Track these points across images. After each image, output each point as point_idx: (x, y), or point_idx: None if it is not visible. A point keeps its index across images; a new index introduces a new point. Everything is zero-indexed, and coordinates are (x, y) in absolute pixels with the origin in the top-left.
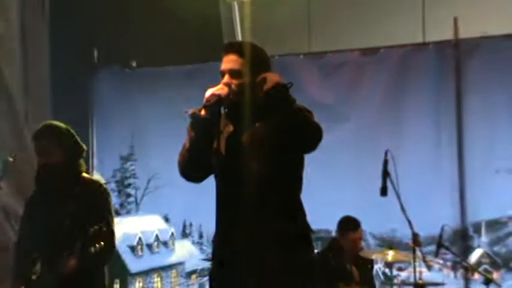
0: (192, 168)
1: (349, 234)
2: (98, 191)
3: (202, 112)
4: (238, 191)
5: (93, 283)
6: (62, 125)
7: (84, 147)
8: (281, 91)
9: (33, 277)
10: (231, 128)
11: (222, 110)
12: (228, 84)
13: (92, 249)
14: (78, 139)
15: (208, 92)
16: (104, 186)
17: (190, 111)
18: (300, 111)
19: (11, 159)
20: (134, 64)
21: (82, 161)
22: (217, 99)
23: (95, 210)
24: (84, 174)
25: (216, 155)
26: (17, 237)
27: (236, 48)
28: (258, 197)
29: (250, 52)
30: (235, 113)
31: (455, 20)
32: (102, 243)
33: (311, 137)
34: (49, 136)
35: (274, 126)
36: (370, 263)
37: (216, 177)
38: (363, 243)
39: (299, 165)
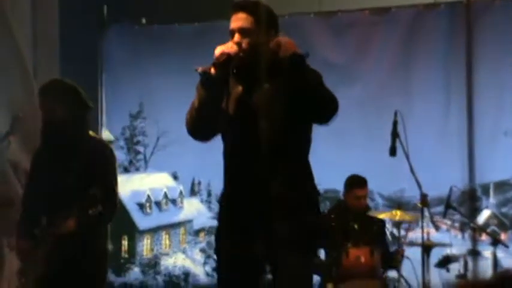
0: (200, 127)
1: (354, 190)
2: (103, 151)
3: (212, 70)
4: (245, 153)
5: (94, 242)
6: (67, 81)
7: (90, 104)
8: (299, 62)
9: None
10: (239, 88)
11: (231, 70)
12: (238, 43)
13: (90, 211)
14: (84, 96)
15: (218, 50)
16: (110, 146)
17: (200, 68)
18: (317, 83)
19: (20, 115)
20: (144, 21)
21: (88, 118)
22: (227, 58)
23: (99, 169)
24: (90, 133)
25: (224, 115)
26: (23, 194)
27: (245, 6)
28: (265, 159)
29: (260, 11)
30: (245, 73)
31: None
32: (100, 206)
33: (326, 109)
34: (54, 92)
35: (289, 94)
36: (380, 222)
37: (223, 137)
38: (370, 203)
39: (308, 128)
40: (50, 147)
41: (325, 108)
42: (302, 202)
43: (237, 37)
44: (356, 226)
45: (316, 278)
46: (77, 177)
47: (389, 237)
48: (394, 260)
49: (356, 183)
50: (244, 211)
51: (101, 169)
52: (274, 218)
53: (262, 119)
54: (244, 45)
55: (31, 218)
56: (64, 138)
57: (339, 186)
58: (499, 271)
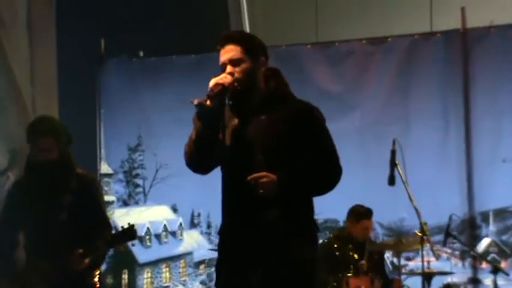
0: (198, 159)
1: (362, 221)
2: (92, 186)
3: (208, 102)
4: (243, 185)
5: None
6: (56, 119)
7: (72, 139)
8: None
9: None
10: (236, 121)
11: (227, 102)
12: (231, 73)
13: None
14: (69, 133)
15: (212, 82)
16: (95, 178)
17: (196, 100)
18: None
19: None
20: (141, 54)
21: (73, 155)
22: (222, 88)
23: (91, 204)
24: (78, 169)
25: (221, 147)
26: None
27: (232, 37)
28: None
29: (245, 39)
30: (240, 104)
31: (463, 9)
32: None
33: (332, 186)
34: (50, 132)
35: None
36: (380, 252)
37: (222, 169)
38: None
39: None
40: (38, 183)
41: (329, 190)
42: (300, 234)
43: (229, 68)
44: (356, 256)
45: None
46: (68, 213)
47: (389, 266)
48: None
49: (364, 214)
50: (242, 243)
51: (92, 203)
52: (269, 251)
53: (258, 150)
54: (237, 74)
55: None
56: (58, 177)
57: (339, 215)
58: None
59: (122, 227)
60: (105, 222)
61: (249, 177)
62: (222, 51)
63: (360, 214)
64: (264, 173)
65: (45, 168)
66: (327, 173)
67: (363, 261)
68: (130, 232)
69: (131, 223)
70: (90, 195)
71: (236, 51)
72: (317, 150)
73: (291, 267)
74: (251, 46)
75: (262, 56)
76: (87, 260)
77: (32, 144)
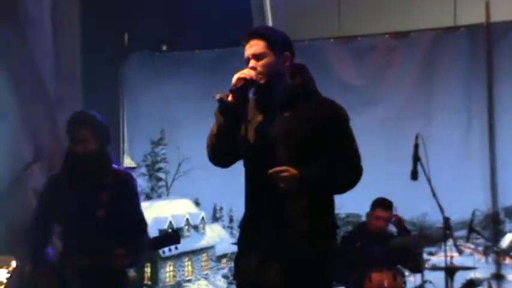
0: (219, 153)
1: (376, 210)
2: (129, 183)
3: (230, 98)
4: (265, 180)
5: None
6: (96, 114)
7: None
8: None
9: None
10: (260, 116)
11: (251, 95)
12: (253, 68)
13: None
14: (108, 130)
15: (235, 77)
16: (132, 175)
17: (218, 95)
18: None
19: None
20: (164, 48)
21: (111, 152)
22: (244, 83)
23: (127, 202)
24: (115, 166)
25: (244, 143)
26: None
27: (256, 32)
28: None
29: (269, 33)
30: (264, 100)
31: (487, 3)
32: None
33: (351, 187)
34: (87, 123)
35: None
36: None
37: (244, 165)
38: (392, 228)
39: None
40: (78, 178)
41: (348, 189)
42: (320, 232)
43: (252, 63)
44: (378, 249)
45: None
46: (105, 210)
47: None
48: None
49: (380, 204)
50: (261, 237)
51: (129, 201)
52: (288, 246)
53: (282, 147)
54: (259, 68)
55: (43, 244)
56: (95, 170)
57: (361, 210)
58: None
59: (167, 231)
60: (141, 221)
61: (270, 171)
62: (247, 46)
63: (376, 203)
64: (285, 167)
65: (83, 159)
66: (347, 173)
67: (376, 248)
68: (175, 237)
69: (174, 229)
70: (127, 192)
71: (259, 46)
72: (339, 149)
73: (308, 263)
74: (275, 40)
75: (287, 51)
76: (127, 260)
77: (69, 135)
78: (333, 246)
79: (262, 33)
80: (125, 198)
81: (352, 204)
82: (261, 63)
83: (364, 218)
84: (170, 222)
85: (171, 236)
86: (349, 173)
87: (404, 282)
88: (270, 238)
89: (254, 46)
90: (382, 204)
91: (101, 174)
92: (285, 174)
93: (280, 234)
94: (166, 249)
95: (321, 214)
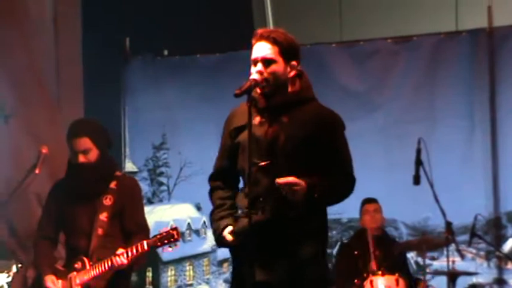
0: None
1: (365, 207)
2: (133, 189)
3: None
4: (260, 184)
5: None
6: (95, 121)
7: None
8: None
9: (76, 266)
10: (257, 120)
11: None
12: (261, 72)
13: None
14: (108, 135)
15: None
16: (136, 181)
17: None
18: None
19: (44, 150)
20: (166, 52)
21: (113, 157)
22: (250, 85)
23: (130, 207)
24: (118, 172)
25: (242, 146)
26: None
27: (270, 36)
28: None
29: (282, 40)
30: (263, 105)
31: (489, 8)
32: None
33: (346, 197)
34: (86, 133)
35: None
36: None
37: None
38: (394, 232)
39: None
40: (79, 186)
41: (341, 201)
42: (309, 238)
43: (259, 66)
44: (378, 253)
45: None
46: (109, 214)
47: (413, 266)
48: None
49: (364, 201)
50: (254, 241)
51: (132, 206)
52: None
53: (278, 152)
54: (266, 75)
55: (50, 250)
56: (98, 178)
57: None
58: None
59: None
60: (143, 226)
61: (280, 181)
62: (257, 46)
63: (362, 202)
64: (295, 180)
65: (84, 171)
66: (345, 185)
67: (373, 262)
68: (173, 235)
69: (174, 226)
70: (130, 198)
71: (271, 51)
72: (333, 157)
73: (299, 267)
74: (287, 49)
75: (295, 60)
76: (128, 260)
77: (69, 146)
78: (323, 250)
79: (276, 39)
80: (127, 203)
81: (354, 209)
82: (269, 70)
83: None
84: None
85: (171, 233)
86: (347, 183)
87: (412, 286)
88: (261, 242)
89: (265, 50)
90: (366, 201)
91: (105, 181)
92: (295, 188)
93: (271, 238)
94: (167, 253)
95: (313, 219)
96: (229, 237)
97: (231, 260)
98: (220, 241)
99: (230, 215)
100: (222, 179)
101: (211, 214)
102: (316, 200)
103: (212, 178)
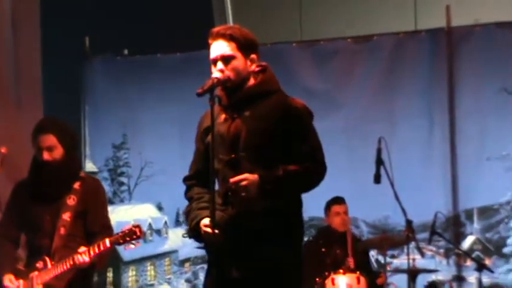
0: None
1: (332, 207)
2: (97, 190)
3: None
4: (227, 181)
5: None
6: (62, 120)
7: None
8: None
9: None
10: (222, 117)
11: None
12: (222, 71)
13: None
14: (75, 136)
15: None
16: (100, 182)
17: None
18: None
19: (3, 150)
20: (126, 52)
21: (80, 158)
22: (212, 84)
23: (93, 207)
24: (82, 173)
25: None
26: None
27: (224, 33)
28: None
29: (239, 35)
30: (226, 101)
31: (448, 7)
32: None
33: (315, 184)
34: (51, 130)
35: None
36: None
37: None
38: (355, 230)
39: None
40: (43, 185)
41: (314, 187)
42: (284, 233)
43: (220, 65)
44: (340, 251)
45: None
46: (71, 214)
47: (374, 264)
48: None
49: (333, 201)
50: (226, 238)
51: (95, 207)
52: (252, 248)
53: (241, 148)
54: (228, 72)
55: (11, 250)
56: (63, 177)
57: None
58: None
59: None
60: (107, 226)
61: (231, 180)
62: (214, 45)
63: (329, 202)
64: (244, 176)
65: (48, 169)
66: (311, 172)
67: (351, 259)
68: (135, 232)
69: (136, 223)
70: (94, 199)
71: (229, 48)
72: (302, 146)
73: (273, 264)
74: (244, 43)
75: (254, 54)
76: (90, 258)
77: (35, 143)
78: (298, 247)
79: (233, 34)
80: (92, 204)
81: (315, 208)
82: (230, 66)
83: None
84: None
85: (134, 230)
86: (316, 170)
87: (373, 283)
88: (233, 239)
89: (224, 47)
90: (335, 201)
91: (69, 181)
92: (243, 183)
93: (243, 235)
94: (128, 253)
95: (287, 214)
96: (207, 229)
97: (192, 259)
98: (193, 231)
99: (208, 208)
100: (197, 179)
101: (188, 206)
102: (273, 192)
103: (188, 179)
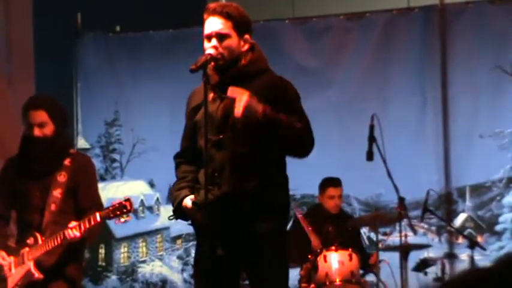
0: None
1: (328, 189)
2: (87, 167)
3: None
4: (216, 161)
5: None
6: (53, 97)
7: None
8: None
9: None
10: (211, 96)
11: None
12: (216, 47)
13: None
14: (65, 113)
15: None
16: (90, 159)
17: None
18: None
19: None
20: (118, 28)
21: (69, 135)
22: (205, 60)
23: (84, 184)
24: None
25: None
26: None
27: (222, 10)
28: (237, 165)
29: (236, 14)
30: (216, 80)
31: None
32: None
33: (303, 151)
34: (42, 106)
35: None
36: (354, 227)
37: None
38: (347, 208)
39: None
40: (33, 161)
41: (302, 151)
42: (270, 211)
43: (214, 41)
44: (332, 228)
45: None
46: (62, 190)
47: (366, 241)
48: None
49: (329, 182)
50: (213, 215)
51: (86, 183)
52: (239, 224)
53: (229, 127)
54: (221, 49)
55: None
56: (53, 153)
57: (316, 191)
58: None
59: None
60: (97, 203)
61: (230, 89)
62: (210, 21)
63: (325, 183)
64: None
65: (38, 145)
66: (302, 129)
67: (330, 228)
68: (126, 206)
69: (127, 197)
70: (84, 175)
71: (224, 26)
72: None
73: (259, 240)
74: (240, 23)
75: (248, 34)
76: (80, 232)
77: (26, 119)
78: (284, 224)
79: (230, 13)
80: (82, 180)
81: (307, 185)
82: (224, 44)
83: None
84: None
85: (124, 204)
86: (305, 133)
87: (365, 261)
88: (221, 216)
89: (219, 24)
90: (331, 183)
91: (59, 158)
92: (244, 102)
93: (231, 212)
94: (120, 230)
95: (274, 192)
96: (189, 204)
97: (184, 236)
98: (177, 212)
99: (189, 187)
100: (186, 157)
101: (172, 186)
102: (271, 121)
103: (177, 156)
